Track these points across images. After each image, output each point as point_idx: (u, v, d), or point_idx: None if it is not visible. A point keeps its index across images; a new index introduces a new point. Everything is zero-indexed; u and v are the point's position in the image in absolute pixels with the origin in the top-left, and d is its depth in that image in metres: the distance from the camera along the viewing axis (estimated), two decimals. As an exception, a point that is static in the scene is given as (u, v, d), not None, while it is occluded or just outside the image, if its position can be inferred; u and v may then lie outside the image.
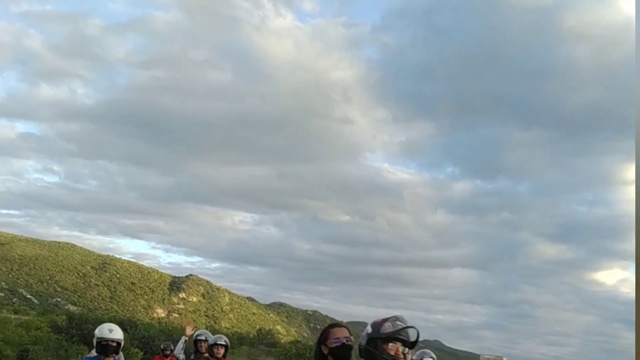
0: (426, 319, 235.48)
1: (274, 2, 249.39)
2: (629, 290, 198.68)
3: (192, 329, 9.66)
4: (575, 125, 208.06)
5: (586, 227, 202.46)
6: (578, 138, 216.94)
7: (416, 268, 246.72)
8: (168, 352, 11.93)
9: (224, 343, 7.39)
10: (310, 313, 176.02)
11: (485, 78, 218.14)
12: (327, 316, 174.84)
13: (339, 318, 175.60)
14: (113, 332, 5.95)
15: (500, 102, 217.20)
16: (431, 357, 6.08)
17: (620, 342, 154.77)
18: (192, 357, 8.96)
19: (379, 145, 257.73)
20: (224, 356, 7.39)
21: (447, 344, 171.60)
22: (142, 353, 46.74)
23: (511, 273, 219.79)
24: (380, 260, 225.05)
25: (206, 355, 8.15)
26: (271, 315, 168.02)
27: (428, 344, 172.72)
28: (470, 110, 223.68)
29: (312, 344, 74.50)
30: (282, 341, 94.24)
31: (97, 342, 5.94)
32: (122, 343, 6.03)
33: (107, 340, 5.89)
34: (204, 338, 8.92)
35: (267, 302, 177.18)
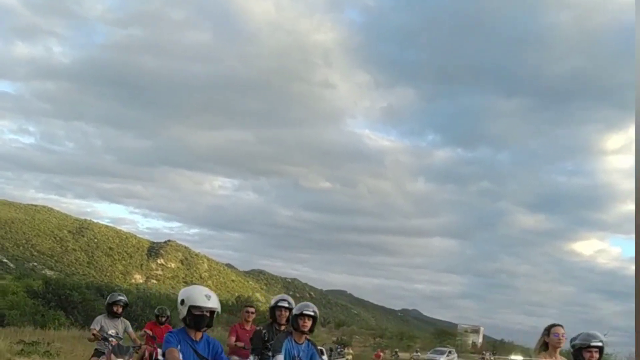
0: (406, 288, 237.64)
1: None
2: (606, 261, 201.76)
3: None
4: (557, 93, 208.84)
5: (565, 197, 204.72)
6: (559, 107, 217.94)
7: (396, 236, 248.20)
8: (163, 319, 10.62)
9: (312, 313, 5.39)
10: (290, 281, 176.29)
11: (468, 45, 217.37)
12: (306, 284, 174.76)
13: (319, 287, 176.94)
14: (211, 299, 4.53)
15: (483, 70, 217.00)
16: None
17: (597, 313, 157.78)
18: (263, 331, 6.88)
19: (360, 110, 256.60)
20: (310, 330, 5.81)
21: (425, 313, 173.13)
22: (120, 319, 46.35)
23: (490, 243, 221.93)
24: (360, 228, 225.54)
25: (285, 326, 6.70)
26: (250, 282, 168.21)
27: (407, 313, 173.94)
28: (452, 77, 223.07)
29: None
30: (261, 309, 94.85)
31: (188, 311, 4.49)
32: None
33: (202, 309, 4.47)
34: (286, 305, 6.92)
35: (246, 269, 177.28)
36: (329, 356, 28.99)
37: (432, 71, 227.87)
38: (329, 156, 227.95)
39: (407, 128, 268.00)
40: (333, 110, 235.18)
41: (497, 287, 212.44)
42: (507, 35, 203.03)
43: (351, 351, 34.40)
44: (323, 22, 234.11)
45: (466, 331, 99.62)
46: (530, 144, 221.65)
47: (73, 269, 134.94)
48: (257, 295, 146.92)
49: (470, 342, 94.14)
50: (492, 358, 58.63)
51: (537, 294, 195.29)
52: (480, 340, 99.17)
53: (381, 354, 40.19)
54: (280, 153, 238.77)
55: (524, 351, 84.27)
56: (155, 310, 11.10)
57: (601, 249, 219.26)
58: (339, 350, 33.45)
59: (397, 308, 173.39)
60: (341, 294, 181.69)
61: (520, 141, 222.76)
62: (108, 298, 8.95)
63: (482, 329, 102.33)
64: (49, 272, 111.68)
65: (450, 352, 49.20)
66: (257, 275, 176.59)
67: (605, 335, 5.73)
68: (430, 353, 47.03)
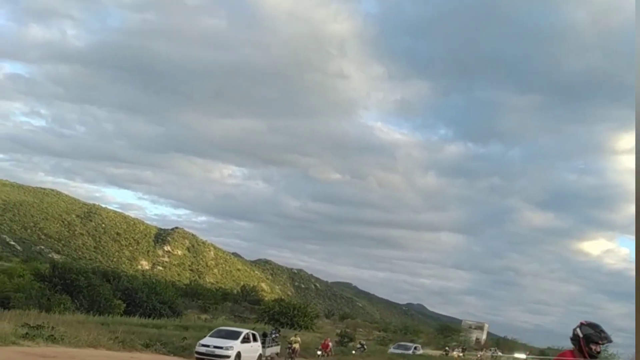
0: (411, 282, 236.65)
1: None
2: (613, 262, 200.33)
3: None
4: (571, 90, 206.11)
5: (575, 196, 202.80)
6: (573, 104, 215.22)
7: (404, 230, 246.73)
8: None
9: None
10: (296, 272, 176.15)
11: (483, 38, 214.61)
12: (312, 275, 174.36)
13: (324, 278, 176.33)
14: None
15: (497, 64, 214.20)
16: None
17: (602, 313, 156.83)
18: None
19: (373, 102, 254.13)
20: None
21: (430, 308, 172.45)
22: (124, 305, 46.29)
23: (498, 239, 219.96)
24: (368, 221, 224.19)
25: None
26: (256, 272, 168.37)
27: (411, 307, 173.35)
28: (466, 71, 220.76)
29: (295, 302, 74.58)
30: (266, 299, 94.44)
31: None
32: None
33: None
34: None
35: (253, 259, 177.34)
36: (262, 342, 28.28)
37: (447, 64, 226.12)
38: (340, 147, 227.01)
39: (419, 121, 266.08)
40: (346, 101, 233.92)
41: (503, 284, 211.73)
42: (522, 29, 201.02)
43: (298, 339, 33.30)
44: (339, 12, 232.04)
45: (470, 327, 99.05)
46: (542, 140, 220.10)
47: (80, 253, 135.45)
48: (263, 285, 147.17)
49: (474, 338, 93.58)
50: (493, 355, 55.70)
51: (542, 292, 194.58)
52: (484, 337, 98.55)
53: (329, 343, 38.71)
54: (292, 143, 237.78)
55: (527, 349, 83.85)
56: None
57: (609, 249, 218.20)
58: (273, 335, 32.33)
59: (402, 302, 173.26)
60: (346, 286, 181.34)
61: (532, 138, 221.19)
62: None
63: (486, 325, 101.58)
64: (55, 256, 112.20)
65: (416, 347, 45.43)
66: (263, 265, 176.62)
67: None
68: (394, 348, 42.92)
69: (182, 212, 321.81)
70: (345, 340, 53.67)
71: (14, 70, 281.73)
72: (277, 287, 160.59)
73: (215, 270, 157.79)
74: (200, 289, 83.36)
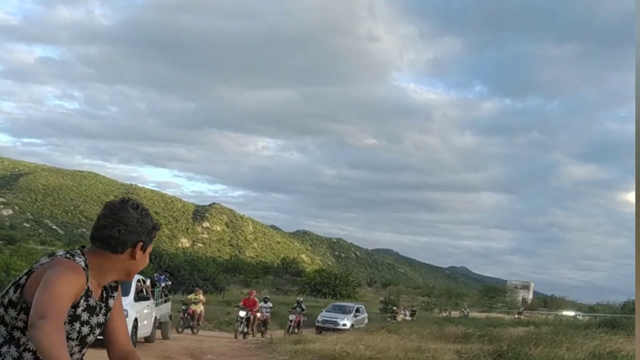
0: (453, 245, 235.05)
1: None
2: None
3: None
4: (608, 38, 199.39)
5: (619, 146, 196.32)
6: (610, 51, 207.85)
7: (443, 192, 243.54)
8: None
9: None
10: (335, 241, 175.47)
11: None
12: (352, 244, 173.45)
13: (364, 246, 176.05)
14: None
15: (531, 15, 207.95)
16: None
17: None
18: None
19: (405, 63, 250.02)
20: None
21: (474, 270, 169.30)
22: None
23: (541, 196, 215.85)
24: (407, 185, 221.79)
25: None
26: (295, 243, 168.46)
27: (455, 270, 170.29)
28: (498, 25, 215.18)
29: (337, 272, 73.52)
30: (307, 270, 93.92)
31: None
32: None
33: None
34: None
35: (291, 230, 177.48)
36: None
37: (478, 19, 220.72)
38: (375, 112, 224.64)
39: (453, 80, 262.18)
40: (378, 64, 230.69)
41: (548, 241, 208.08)
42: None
43: (201, 297, 21.86)
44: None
45: (516, 287, 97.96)
46: (582, 91, 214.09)
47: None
48: (303, 256, 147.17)
49: (520, 298, 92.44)
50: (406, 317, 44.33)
51: (590, 247, 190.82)
52: (531, 296, 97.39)
53: (256, 299, 24.55)
54: (326, 111, 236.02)
55: (575, 306, 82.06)
56: None
57: None
58: (163, 284, 20.69)
59: (444, 266, 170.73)
60: (388, 252, 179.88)
61: (571, 89, 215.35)
62: None
63: (532, 284, 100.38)
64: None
65: (358, 309, 34.40)
66: (302, 236, 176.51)
67: None
68: (326, 310, 32.62)
69: (218, 187, 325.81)
70: (389, 307, 52.02)
71: (45, 53, 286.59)
72: (318, 257, 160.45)
73: (255, 244, 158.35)
74: (241, 263, 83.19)
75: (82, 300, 1.92)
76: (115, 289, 2.21)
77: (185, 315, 21.16)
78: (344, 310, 31.60)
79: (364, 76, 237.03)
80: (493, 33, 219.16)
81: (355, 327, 28.79)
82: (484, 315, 57.24)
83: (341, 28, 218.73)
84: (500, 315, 61.36)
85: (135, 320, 12.97)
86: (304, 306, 27.76)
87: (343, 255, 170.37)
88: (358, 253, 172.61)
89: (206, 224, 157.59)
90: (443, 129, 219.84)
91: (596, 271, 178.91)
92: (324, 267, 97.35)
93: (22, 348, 1.86)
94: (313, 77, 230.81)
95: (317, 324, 29.27)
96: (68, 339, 1.86)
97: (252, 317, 22.52)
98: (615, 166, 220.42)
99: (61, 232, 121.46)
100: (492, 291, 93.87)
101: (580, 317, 64.52)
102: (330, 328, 27.53)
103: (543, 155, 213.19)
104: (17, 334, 1.86)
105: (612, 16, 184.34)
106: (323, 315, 30.23)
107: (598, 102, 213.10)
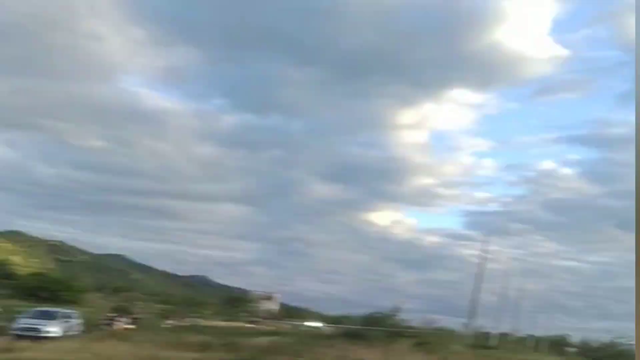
0: (192, 253, 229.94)
1: None
2: (401, 232, 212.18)
3: None
4: (349, 67, 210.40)
5: (361, 169, 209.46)
6: (352, 80, 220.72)
7: (181, 201, 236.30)
8: None
9: None
10: (56, 244, 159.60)
11: (256, 9, 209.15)
12: (75, 247, 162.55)
13: (92, 250, 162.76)
14: None
15: (272, 37, 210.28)
16: None
17: (393, 281, 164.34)
18: None
19: (136, 68, 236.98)
20: None
21: (216, 280, 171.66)
22: None
23: (284, 211, 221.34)
24: (140, 191, 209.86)
25: None
26: (6, 244, 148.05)
27: (195, 279, 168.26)
28: (239, 42, 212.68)
29: (58, 276, 69.34)
30: (20, 273, 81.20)
31: None
32: None
33: None
34: None
35: (0, 230, 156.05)
36: None
37: (217, 33, 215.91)
38: (101, 113, 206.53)
39: (190, 90, 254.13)
40: (104, 64, 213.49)
41: (292, 254, 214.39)
42: (296, 3, 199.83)
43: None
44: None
45: (260, 298, 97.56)
46: (324, 114, 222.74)
47: None
48: (15, 258, 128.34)
49: (264, 308, 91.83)
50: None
51: (332, 262, 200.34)
52: (276, 307, 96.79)
53: None
54: (41, 106, 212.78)
55: (320, 317, 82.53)
56: None
57: (395, 220, 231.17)
58: None
59: (184, 274, 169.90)
60: (118, 258, 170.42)
61: (314, 112, 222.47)
62: None
63: (277, 295, 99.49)
64: None
65: (69, 315, 30.61)
66: (15, 237, 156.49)
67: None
68: (27, 317, 28.23)
69: None
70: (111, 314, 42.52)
71: None
72: (35, 260, 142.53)
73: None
74: None
75: None
76: None
77: None
78: (50, 316, 29.11)
79: (86, 75, 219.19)
80: (232, 49, 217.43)
81: (68, 334, 27.28)
82: (225, 324, 56.58)
83: (56, 22, 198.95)
84: (242, 324, 61.78)
85: None
86: None
87: (65, 259, 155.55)
88: (83, 257, 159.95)
89: None
90: (180, 138, 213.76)
91: (339, 284, 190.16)
92: (42, 271, 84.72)
93: None
94: (26, 69, 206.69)
95: (14, 331, 26.21)
96: None
97: None
98: (357, 187, 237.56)
99: None
100: (235, 301, 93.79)
101: (324, 328, 64.01)
102: (32, 336, 25.00)
103: (286, 172, 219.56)
104: None
105: (353, 48, 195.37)
106: (23, 322, 27.35)
107: (339, 126, 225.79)
